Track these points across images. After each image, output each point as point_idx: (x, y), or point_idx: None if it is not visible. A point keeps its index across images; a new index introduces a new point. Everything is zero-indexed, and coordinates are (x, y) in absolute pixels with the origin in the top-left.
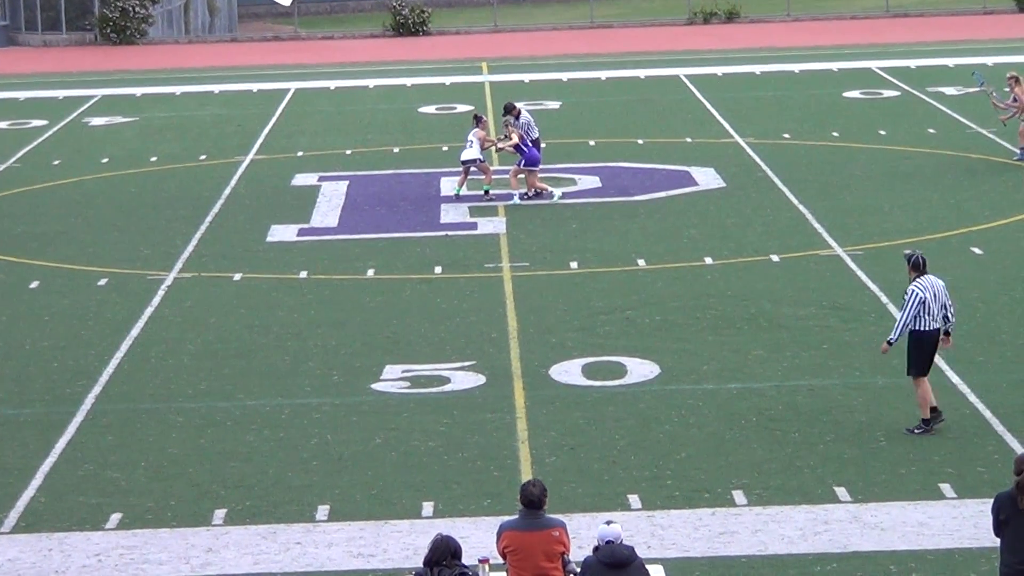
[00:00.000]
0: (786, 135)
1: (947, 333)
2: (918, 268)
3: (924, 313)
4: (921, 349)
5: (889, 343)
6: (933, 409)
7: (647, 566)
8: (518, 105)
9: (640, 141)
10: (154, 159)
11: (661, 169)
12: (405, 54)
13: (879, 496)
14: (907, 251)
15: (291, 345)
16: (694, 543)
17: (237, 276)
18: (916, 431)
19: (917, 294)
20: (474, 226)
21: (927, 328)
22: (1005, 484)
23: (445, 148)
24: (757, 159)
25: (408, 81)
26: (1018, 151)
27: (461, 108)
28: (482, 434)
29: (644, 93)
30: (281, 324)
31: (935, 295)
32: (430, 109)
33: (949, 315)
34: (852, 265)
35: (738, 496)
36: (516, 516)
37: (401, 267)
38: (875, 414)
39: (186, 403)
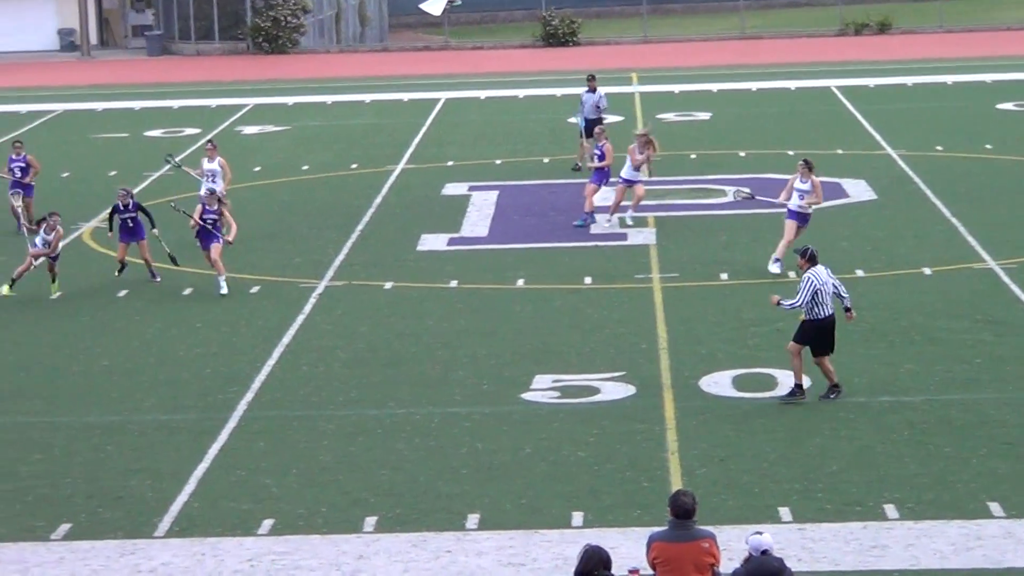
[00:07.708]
0: (939, 147)
1: (847, 309)
2: (812, 260)
3: (818, 301)
4: (814, 332)
5: (779, 303)
6: (834, 386)
7: None
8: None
9: (791, 152)
10: (306, 168)
11: None
12: (555, 64)
13: None
14: (798, 247)
15: (441, 354)
16: (845, 556)
17: (388, 285)
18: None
19: (811, 281)
20: (624, 237)
21: (821, 315)
22: None
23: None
24: (909, 171)
25: (558, 91)
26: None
27: (610, 119)
28: (632, 445)
29: (795, 104)
30: (431, 333)
31: (824, 284)
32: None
33: (841, 293)
34: (1006, 279)
35: (890, 510)
36: (665, 527)
37: (551, 277)
38: None
39: (337, 411)
